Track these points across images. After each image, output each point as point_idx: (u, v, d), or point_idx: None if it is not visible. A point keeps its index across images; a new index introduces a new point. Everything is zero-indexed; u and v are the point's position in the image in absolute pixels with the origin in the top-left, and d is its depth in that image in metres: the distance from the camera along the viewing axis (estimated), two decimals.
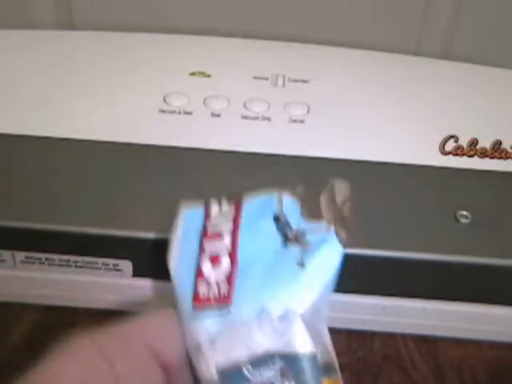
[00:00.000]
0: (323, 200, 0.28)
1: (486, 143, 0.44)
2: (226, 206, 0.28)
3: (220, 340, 0.25)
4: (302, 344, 0.25)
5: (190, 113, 0.45)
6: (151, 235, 0.37)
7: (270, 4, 0.55)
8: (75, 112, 0.45)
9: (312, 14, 0.55)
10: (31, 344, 0.40)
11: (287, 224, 0.27)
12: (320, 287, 0.26)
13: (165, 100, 0.46)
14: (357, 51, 0.51)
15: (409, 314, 0.42)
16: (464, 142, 0.44)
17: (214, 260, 0.27)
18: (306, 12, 0.55)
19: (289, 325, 0.25)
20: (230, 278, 0.26)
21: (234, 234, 0.27)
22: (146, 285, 0.40)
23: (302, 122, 0.45)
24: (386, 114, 0.46)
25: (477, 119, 0.46)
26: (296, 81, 0.48)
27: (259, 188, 0.29)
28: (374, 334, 0.44)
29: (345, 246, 0.27)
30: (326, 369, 0.25)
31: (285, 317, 0.25)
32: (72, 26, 0.56)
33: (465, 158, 0.44)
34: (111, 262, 0.39)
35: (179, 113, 0.45)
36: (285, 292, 0.26)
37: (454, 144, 0.44)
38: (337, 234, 0.27)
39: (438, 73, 0.51)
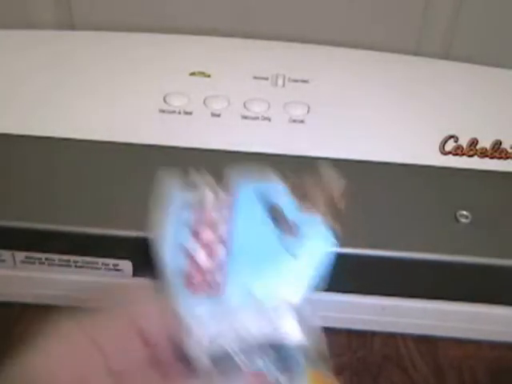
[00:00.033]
0: (318, 193, 0.28)
1: (486, 143, 0.44)
2: (218, 190, 0.28)
3: (210, 324, 0.25)
4: (292, 333, 0.26)
5: (190, 113, 0.45)
6: (151, 235, 0.37)
7: (269, 4, 0.55)
8: (75, 112, 0.45)
9: (312, 14, 0.55)
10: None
11: (282, 216, 0.27)
12: (310, 279, 0.26)
13: (165, 100, 0.46)
14: (357, 51, 0.51)
15: (409, 313, 0.42)
16: (464, 142, 0.44)
17: (206, 245, 0.27)
18: (306, 12, 0.55)
19: (279, 314, 0.26)
20: (222, 265, 0.26)
21: (227, 221, 0.27)
22: (146, 285, 0.40)
23: (301, 121, 0.45)
24: (386, 114, 0.46)
25: (477, 119, 0.46)
26: (296, 81, 0.48)
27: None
28: (374, 333, 0.44)
29: (338, 239, 0.27)
30: (315, 360, 0.26)
31: (276, 306, 0.26)
32: (72, 26, 0.56)
33: (465, 157, 0.44)
34: (111, 261, 0.39)
35: (179, 113, 0.45)
36: (276, 282, 0.26)
37: (454, 144, 0.44)
38: (330, 228, 0.27)
39: (438, 73, 0.51)
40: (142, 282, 0.27)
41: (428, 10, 0.54)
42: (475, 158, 0.44)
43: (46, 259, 0.40)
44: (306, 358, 0.26)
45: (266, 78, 0.48)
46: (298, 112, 0.46)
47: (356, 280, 0.41)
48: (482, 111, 0.47)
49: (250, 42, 0.51)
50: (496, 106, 0.48)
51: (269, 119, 0.45)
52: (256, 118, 0.45)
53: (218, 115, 0.45)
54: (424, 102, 0.47)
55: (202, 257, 0.26)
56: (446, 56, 0.55)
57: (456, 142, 0.44)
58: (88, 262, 0.39)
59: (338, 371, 0.42)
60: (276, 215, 0.27)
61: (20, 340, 0.24)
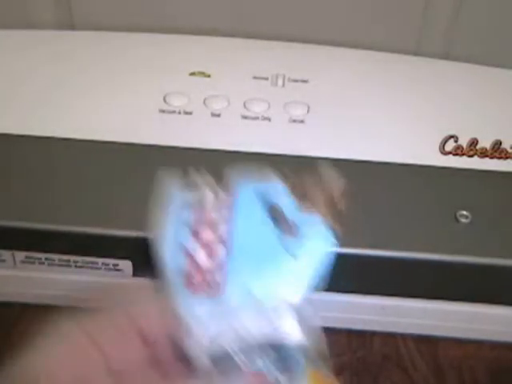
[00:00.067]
0: (318, 193, 0.28)
1: (486, 143, 0.44)
2: (218, 190, 0.28)
3: (210, 324, 0.25)
4: (292, 333, 0.26)
5: (190, 113, 0.45)
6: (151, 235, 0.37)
7: (269, 4, 0.55)
8: (75, 112, 0.45)
9: (312, 13, 0.55)
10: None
11: (282, 216, 0.27)
12: (310, 279, 0.27)
13: (165, 100, 0.46)
14: (357, 51, 0.51)
15: (409, 313, 0.42)
16: (464, 142, 0.44)
17: (206, 245, 0.27)
18: (306, 12, 0.55)
19: (279, 314, 0.26)
20: (222, 265, 0.26)
21: (227, 221, 0.27)
22: (145, 285, 0.40)
23: (301, 121, 0.45)
24: (386, 114, 0.46)
25: (477, 119, 0.46)
26: (296, 81, 0.48)
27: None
28: (373, 333, 0.44)
29: (338, 239, 0.27)
30: (315, 360, 0.26)
31: (275, 306, 0.26)
32: (72, 26, 0.56)
33: (465, 157, 0.44)
34: (111, 261, 0.39)
35: (179, 113, 0.45)
36: (276, 282, 0.26)
37: (454, 144, 0.44)
38: (330, 228, 0.27)
39: (438, 73, 0.51)
40: (142, 282, 0.27)
41: (428, 10, 0.54)
42: (475, 157, 0.44)
43: (46, 259, 0.40)
44: (305, 358, 0.26)
45: (266, 78, 0.48)
46: (298, 112, 0.46)
47: (356, 280, 0.41)
48: (481, 111, 0.47)
49: (250, 41, 0.51)
50: (496, 106, 0.48)
51: (269, 119, 0.45)
52: (256, 118, 0.45)
53: (218, 115, 0.45)
54: (424, 102, 0.47)
55: (201, 257, 0.26)
56: (446, 56, 0.55)
57: (456, 142, 0.44)
58: (88, 262, 0.39)
59: (338, 371, 0.42)
60: (276, 215, 0.27)
61: (20, 340, 0.25)
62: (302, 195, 0.28)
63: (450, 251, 0.38)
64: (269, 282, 0.26)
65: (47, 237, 0.38)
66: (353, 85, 0.48)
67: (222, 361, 0.25)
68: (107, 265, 0.39)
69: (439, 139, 0.44)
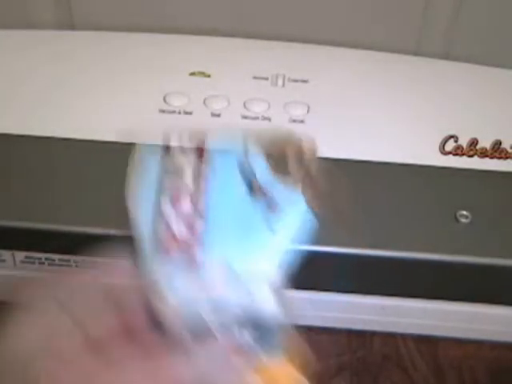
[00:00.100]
0: (290, 158, 0.28)
1: (486, 143, 0.44)
2: (197, 159, 0.28)
3: (187, 295, 0.25)
4: (268, 306, 0.26)
5: (190, 113, 0.45)
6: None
7: (269, 4, 0.55)
8: (75, 112, 0.45)
9: (312, 13, 0.55)
10: None
11: (261, 190, 0.27)
12: (287, 254, 0.27)
13: (165, 100, 0.46)
14: (357, 51, 0.51)
15: (409, 313, 0.42)
16: (464, 142, 0.44)
17: (182, 214, 0.26)
18: (306, 12, 0.55)
19: (256, 287, 0.26)
20: (199, 236, 0.26)
21: (204, 191, 0.27)
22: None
23: (301, 121, 0.45)
24: (386, 113, 0.46)
25: (477, 119, 0.46)
26: (296, 81, 0.48)
27: None
28: (373, 333, 0.44)
29: (312, 207, 0.27)
30: (289, 332, 0.26)
31: (253, 279, 0.26)
32: (72, 26, 0.56)
33: (465, 157, 0.44)
34: (111, 261, 0.39)
35: (179, 113, 0.45)
36: (254, 256, 0.26)
37: (454, 144, 0.44)
38: (308, 204, 0.27)
39: (438, 73, 0.51)
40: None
41: (428, 10, 0.54)
42: (475, 157, 0.44)
43: (46, 259, 0.40)
44: (281, 330, 0.26)
45: (266, 78, 0.48)
46: (298, 112, 0.46)
47: (356, 280, 0.41)
48: (482, 111, 0.47)
49: (250, 41, 0.51)
50: (496, 106, 0.48)
51: (269, 119, 0.45)
52: (256, 118, 0.45)
53: (218, 115, 0.45)
54: (424, 102, 0.47)
55: (177, 225, 0.26)
56: (446, 56, 0.55)
57: (456, 142, 0.44)
58: (88, 262, 0.39)
59: (338, 371, 0.42)
60: (255, 189, 0.27)
61: None
62: (281, 170, 0.27)
63: (450, 251, 0.38)
64: (247, 255, 0.26)
65: (47, 237, 0.38)
66: (353, 85, 0.48)
67: (198, 330, 0.25)
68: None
69: (439, 139, 0.44)
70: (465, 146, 0.44)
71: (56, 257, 0.39)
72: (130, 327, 0.25)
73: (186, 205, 0.27)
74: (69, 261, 0.39)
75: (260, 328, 0.26)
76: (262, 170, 0.27)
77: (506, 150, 0.44)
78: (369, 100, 0.47)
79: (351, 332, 0.44)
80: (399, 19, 0.55)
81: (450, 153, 0.44)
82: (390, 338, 0.44)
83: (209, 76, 0.48)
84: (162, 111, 0.45)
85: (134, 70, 0.48)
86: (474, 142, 0.44)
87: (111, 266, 0.27)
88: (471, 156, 0.44)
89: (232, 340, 0.25)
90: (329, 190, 0.28)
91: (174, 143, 0.28)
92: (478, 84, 0.49)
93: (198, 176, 0.27)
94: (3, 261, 0.40)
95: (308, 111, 0.46)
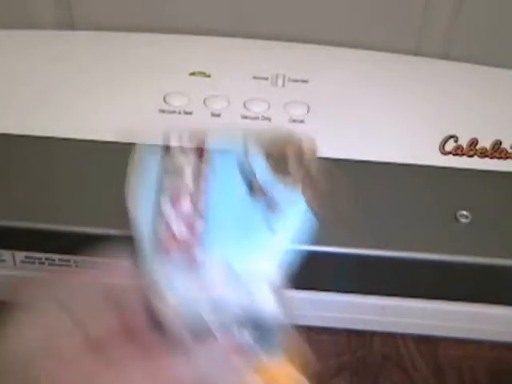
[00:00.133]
0: (290, 158, 0.28)
1: (486, 143, 0.44)
2: (197, 159, 0.28)
3: (187, 295, 0.25)
4: (268, 306, 0.26)
5: (190, 113, 0.45)
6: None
7: (269, 4, 0.55)
8: (75, 112, 0.45)
9: (312, 13, 0.55)
10: None
11: (261, 190, 0.27)
12: (287, 254, 0.27)
13: (165, 100, 0.46)
14: (357, 51, 0.51)
15: (409, 313, 0.42)
16: (464, 142, 0.44)
17: (182, 213, 0.26)
18: (306, 12, 0.55)
19: (256, 287, 0.26)
20: (199, 235, 0.26)
21: (205, 191, 0.27)
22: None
23: (301, 121, 0.45)
24: (386, 113, 0.46)
25: (477, 119, 0.46)
26: (296, 81, 0.48)
27: None
28: (373, 333, 0.44)
29: (311, 206, 0.27)
30: (289, 332, 0.26)
31: (253, 279, 0.26)
32: (72, 26, 0.56)
33: (465, 157, 0.44)
34: (112, 261, 0.39)
35: (179, 113, 0.45)
36: (254, 256, 0.26)
37: (454, 144, 0.44)
38: (308, 204, 0.27)
39: (438, 73, 0.51)
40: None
41: (428, 10, 0.54)
42: (475, 158, 0.44)
43: (46, 259, 0.40)
44: (281, 330, 0.26)
45: (266, 78, 0.48)
46: (298, 112, 0.46)
47: (356, 280, 0.41)
48: (482, 111, 0.47)
49: (250, 41, 0.51)
50: (496, 106, 0.48)
51: (269, 119, 0.45)
52: (256, 118, 0.45)
53: (218, 115, 0.45)
54: (424, 102, 0.47)
55: (177, 225, 0.26)
56: (446, 56, 0.55)
57: (456, 142, 0.44)
58: (88, 262, 0.39)
59: (338, 371, 0.42)
60: (255, 189, 0.27)
61: None
62: (281, 170, 0.27)
63: (450, 251, 0.38)
64: (246, 255, 0.26)
65: (47, 237, 0.38)
66: (353, 85, 0.48)
67: (198, 330, 0.25)
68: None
69: (439, 139, 0.44)
70: (465, 146, 0.44)
71: (56, 257, 0.39)
72: (130, 327, 0.25)
73: (185, 205, 0.27)
74: (69, 261, 0.39)
75: (260, 328, 0.26)
76: (262, 169, 0.27)
77: (506, 150, 0.44)
78: (369, 100, 0.47)
79: (351, 332, 0.44)
80: (399, 19, 0.55)
81: (450, 153, 0.44)
82: (390, 338, 0.44)
83: (209, 76, 0.48)
84: (162, 111, 0.45)
85: (133, 69, 0.48)
86: (473, 142, 0.44)
87: (111, 266, 0.27)
88: (471, 156, 0.44)
89: (232, 340, 0.25)
90: (329, 189, 0.28)
91: (173, 143, 0.28)
92: (478, 84, 0.49)
93: (197, 176, 0.27)
94: (3, 261, 0.40)
95: (308, 111, 0.46)
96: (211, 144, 0.28)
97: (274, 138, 0.28)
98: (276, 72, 0.48)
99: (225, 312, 0.25)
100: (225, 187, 0.27)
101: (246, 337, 0.25)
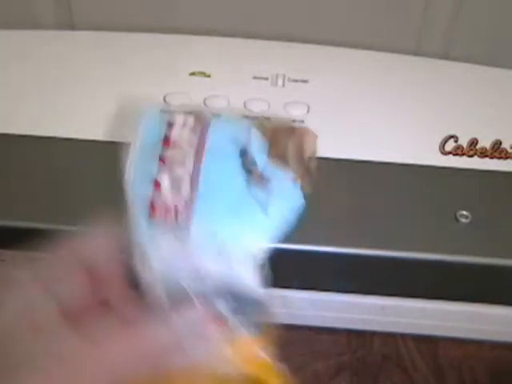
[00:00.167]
0: (291, 149, 0.28)
1: (485, 143, 0.44)
2: (191, 124, 0.28)
3: (170, 258, 0.26)
4: (249, 280, 0.26)
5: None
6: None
7: (269, 4, 0.55)
8: (75, 112, 0.45)
9: (312, 13, 0.55)
10: None
11: (255, 167, 0.27)
12: (275, 232, 0.27)
13: (165, 100, 0.46)
14: (357, 51, 0.51)
15: (409, 313, 0.42)
16: (464, 141, 0.44)
17: (174, 178, 0.26)
18: (306, 12, 0.55)
19: (241, 261, 0.26)
20: (188, 200, 0.26)
21: (197, 159, 0.27)
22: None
23: (302, 122, 0.45)
24: (386, 114, 0.46)
25: (477, 119, 0.46)
26: (296, 81, 0.48)
27: None
28: (373, 333, 0.44)
29: (306, 198, 0.27)
30: (266, 306, 0.26)
31: (238, 252, 0.26)
32: (72, 26, 0.56)
33: (465, 157, 0.44)
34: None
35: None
36: (242, 230, 0.26)
37: (454, 144, 0.44)
38: (300, 186, 0.27)
39: (438, 73, 0.51)
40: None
41: (428, 10, 0.54)
42: (475, 158, 0.44)
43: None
44: (258, 307, 0.26)
45: (266, 78, 0.48)
46: (298, 112, 0.46)
47: (356, 280, 0.41)
48: (481, 111, 0.47)
49: (250, 41, 0.51)
50: (496, 106, 0.48)
51: (269, 119, 0.45)
52: (256, 118, 0.45)
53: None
54: (424, 102, 0.47)
55: (170, 194, 0.26)
56: (446, 56, 0.55)
57: (456, 142, 0.44)
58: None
59: (338, 371, 0.42)
60: (248, 165, 0.27)
61: None
62: (276, 150, 0.28)
63: (450, 251, 0.38)
64: (235, 230, 0.26)
65: (47, 237, 0.38)
66: (353, 85, 0.48)
67: (177, 296, 0.25)
68: None
69: (439, 139, 0.44)
70: (465, 146, 0.44)
71: None
72: (107, 298, 0.26)
73: (180, 175, 0.27)
74: None
75: (238, 302, 0.26)
76: (257, 148, 0.27)
77: (506, 150, 0.44)
78: (369, 100, 0.47)
79: (351, 332, 0.44)
80: (399, 19, 0.55)
81: (450, 153, 0.44)
82: (390, 338, 0.44)
83: (209, 76, 0.48)
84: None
85: (133, 69, 0.48)
86: (473, 142, 0.44)
87: (88, 237, 0.27)
88: (471, 156, 0.44)
89: (210, 310, 0.25)
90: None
91: (177, 118, 0.28)
92: (478, 84, 0.49)
93: (196, 149, 0.27)
94: (3, 261, 0.40)
95: (308, 111, 0.46)
96: (214, 124, 0.28)
97: (276, 127, 0.28)
98: (276, 72, 0.48)
99: (206, 282, 0.25)
100: (219, 158, 0.27)
101: (224, 308, 0.26)
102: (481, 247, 0.38)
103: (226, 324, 0.26)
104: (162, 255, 0.26)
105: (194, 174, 0.26)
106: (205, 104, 0.46)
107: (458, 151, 0.44)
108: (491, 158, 0.44)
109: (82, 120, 0.45)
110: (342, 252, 0.38)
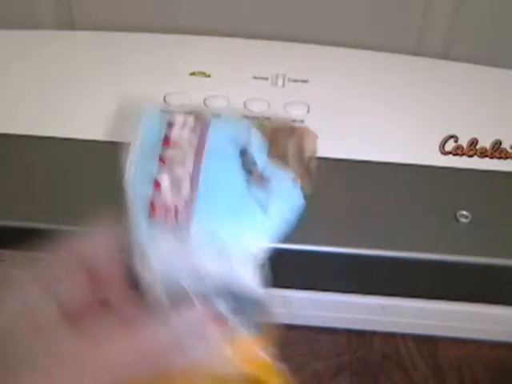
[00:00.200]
0: (291, 149, 0.28)
1: (485, 143, 0.44)
2: (191, 124, 0.28)
3: (170, 258, 0.26)
4: (249, 281, 0.26)
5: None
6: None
7: (269, 4, 0.55)
8: (75, 112, 0.45)
9: (312, 13, 0.55)
10: None
11: (255, 167, 0.27)
12: (275, 232, 0.27)
13: (165, 100, 0.46)
14: (357, 51, 0.51)
15: (409, 313, 0.42)
16: (464, 142, 0.44)
17: (174, 178, 0.26)
18: (306, 12, 0.55)
19: (241, 261, 0.26)
20: (188, 200, 0.26)
21: (197, 159, 0.27)
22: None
23: (302, 121, 0.45)
24: (386, 114, 0.46)
25: (477, 119, 0.46)
26: (296, 81, 0.48)
27: None
28: (373, 333, 0.44)
29: (306, 198, 0.27)
30: (265, 307, 0.26)
31: (238, 252, 0.26)
32: (72, 26, 0.56)
33: (465, 157, 0.44)
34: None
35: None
36: (242, 230, 0.26)
37: (454, 144, 0.44)
38: (300, 186, 0.27)
39: (438, 73, 0.51)
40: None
41: (428, 10, 0.54)
42: (475, 158, 0.44)
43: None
44: (258, 307, 0.26)
45: (266, 78, 0.48)
46: (298, 112, 0.46)
47: (356, 280, 0.41)
48: (482, 111, 0.47)
49: (250, 41, 0.51)
50: (496, 105, 0.48)
51: (269, 119, 0.45)
52: (256, 118, 0.45)
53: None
54: (424, 102, 0.47)
55: (170, 193, 0.26)
56: (446, 56, 0.55)
57: (456, 142, 0.44)
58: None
59: (338, 371, 0.42)
60: (248, 165, 0.27)
61: None
62: (276, 150, 0.28)
63: (450, 251, 0.38)
64: (235, 230, 0.26)
65: (47, 237, 0.38)
66: (353, 85, 0.48)
67: (177, 296, 0.25)
68: None
69: (439, 139, 0.44)
70: (465, 146, 0.44)
71: None
72: (106, 298, 0.26)
73: (180, 175, 0.27)
74: None
75: (238, 302, 0.26)
76: (257, 148, 0.27)
77: (505, 150, 0.44)
78: (369, 100, 0.47)
79: (351, 332, 0.44)
80: (399, 19, 0.55)
81: (450, 153, 0.44)
82: (389, 338, 0.44)
83: (209, 76, 0.48)
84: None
85: (133, 69, 0.48)
86: (473, 142, 0.44)
87: (88, 237, 0.27)
88: (471, 156, 0.44)
89: (210, 310, 0.25)
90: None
91: (177, 118, 0.28)
92: (477, 84, 0.49)
93: (196, 149, 0.27)
94: (3, 261, 0.40)
95: (308, 111, 0.46)
96: (214, 123, 0.28)
97: (276, 126, 0.28)
98: (276, 72, 0.48)
99: (206, 282, 0.26)
100: (222, 164, 0.27)
101: (224, 308, 0.26)
102: (481, 247, 0.38)
103: (225, 324, 0.26)
104: (162, 255, 0.26)
105: (194, 174, 0.26)
106: (205, 104, 0.46)
107: (457, 151, 0.44)
108: (491, 157, 0.44)
109: (81, 120, 0.45)
110: (342, 252, 0.38)
